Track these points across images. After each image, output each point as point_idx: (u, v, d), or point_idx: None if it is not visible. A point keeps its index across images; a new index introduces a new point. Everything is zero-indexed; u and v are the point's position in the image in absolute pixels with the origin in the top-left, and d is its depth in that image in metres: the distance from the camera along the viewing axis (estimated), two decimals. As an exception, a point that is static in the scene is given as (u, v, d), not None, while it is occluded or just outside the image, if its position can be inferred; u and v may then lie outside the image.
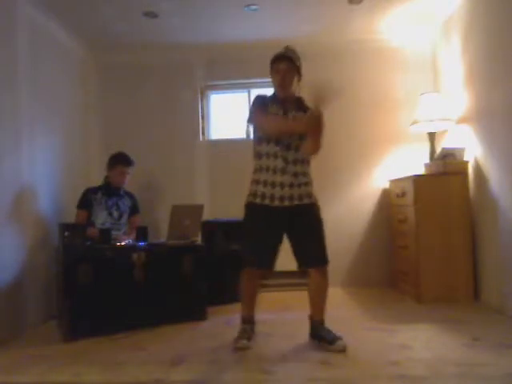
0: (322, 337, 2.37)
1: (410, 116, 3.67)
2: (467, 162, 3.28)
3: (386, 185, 3.93)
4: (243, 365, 2.16)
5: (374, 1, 3.34)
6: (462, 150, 3.32)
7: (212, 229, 3.51)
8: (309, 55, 4.08)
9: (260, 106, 2.43)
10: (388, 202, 3.90)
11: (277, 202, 2.36)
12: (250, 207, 2.45)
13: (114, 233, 3.16)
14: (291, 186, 2.37)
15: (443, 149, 3.37)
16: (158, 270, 2.91)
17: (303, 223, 2.39)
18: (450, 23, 3.56)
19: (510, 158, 2.75)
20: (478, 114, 3.16)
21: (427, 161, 3.58)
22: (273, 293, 3.59)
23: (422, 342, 2.39)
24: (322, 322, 2.43)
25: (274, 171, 2.37)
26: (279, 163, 2.37)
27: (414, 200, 3.26)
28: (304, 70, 4.17)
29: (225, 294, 3.41)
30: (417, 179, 3.27)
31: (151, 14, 3.42)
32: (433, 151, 3.56)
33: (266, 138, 2.40)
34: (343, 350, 2.25)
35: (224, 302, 3.34)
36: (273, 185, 2.36)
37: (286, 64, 2.40)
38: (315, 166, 4.11)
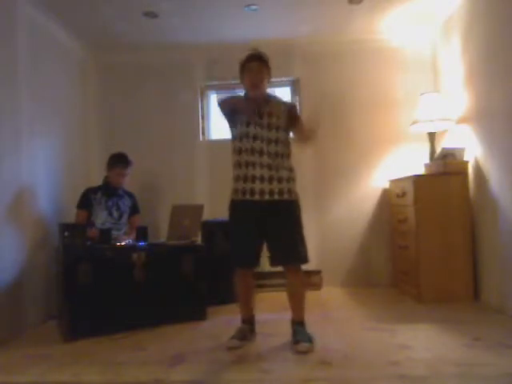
0: (292, 335, 2.41)
1: (410, 116, 3.67)
2: (467, 162, 3.28)
3: (386, 185, 3.93)
4: (243, 365, 2.16)
5: (374, 1, 3.34)
6: (462, 150, 3.31)
7: (212, 229, 3.51)
8: (309, 55, 4.11)
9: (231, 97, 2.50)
10: (388, 201, 3.90)
11: (257, 197, 2.36)
12: (232, 205, 2.47)
13: (114, 233, 3.17)
14: (271, 179, 2.36)
15: (443, 149, 3.37)
16: (158, 269, 2.91)
17: (279, 220, 2.38)
18: (450, 23, 3.56)
19: (510, 158, 2.75)
20: (478, 114, 3.16)
21: (427, 161, 3.58)
22: (273, 293, 3.59)
23: (422, 342, 2.39)
24: (296, 322, 2.44)
25: (253, 165, 2.37)
26: (257, 157, 2.37)
27: (414, 200, 3.26)
28: (304, 69, 4.18)
29: (225, 293, 3.41)
30: (417, 179, 3.27)
31: (151, 14, 3.42)
32: (433, 151, 3.56)
33: (244, 132, 2.40)
34: (302, 352, 2.23)
35: (224, 302, 3.34)
36: (253, 179, 2.37)
37: (257, 63, 2.43)
38: (315, 166, 4.12)
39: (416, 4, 3.41)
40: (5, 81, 2.82)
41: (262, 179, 2.36)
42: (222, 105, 2.50)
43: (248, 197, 2.38)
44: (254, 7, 3.37)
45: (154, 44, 3.99)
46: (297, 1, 3.29)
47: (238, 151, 2.43)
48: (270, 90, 2.55)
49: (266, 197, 2.36)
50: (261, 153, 2.37)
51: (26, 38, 3.06)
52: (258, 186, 2.36)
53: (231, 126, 2.53)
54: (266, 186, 2.36)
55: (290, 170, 2.45)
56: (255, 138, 2.38)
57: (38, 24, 3.23)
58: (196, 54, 4.12)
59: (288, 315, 2.82)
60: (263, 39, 3.87)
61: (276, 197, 2.36)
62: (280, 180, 2.38)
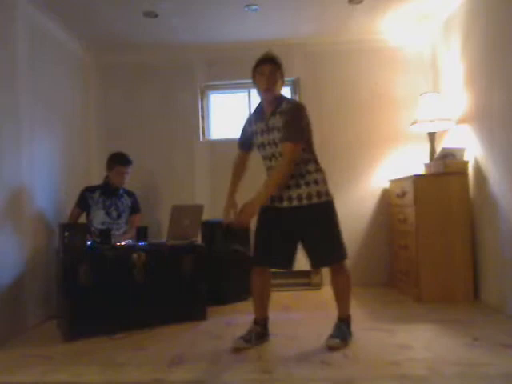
0: (333, 331, 2.40)
1: (410, 116, 3.67)
2: (467, 162, 3.28)
3: (386, 185, 3.93)
4: (243, 365, 2.16)
5: (374, 1, 3.34)
6: (462, 150, 3.32)
7: (212, 229, 3.51)
8: (309, 55, 4.11)
9: (240, 136, 2.56)
10: (388, 201, 3.90)
11: (285, 203, 2.37)
12: (261, 209, 2.41)
13: (113, 232, 3.17)
14: (297, 186, 2.35)
15: (443, 149, 3.37)
16: (158, 269, 2.91)
17: (311, 224, 2.36)
18: (449, 23, 3.56)
19: (510, 158, 2.75)
20: (477, 114, 3.16)
21: (427, 161, 3.58)
22: (273, 293, 3.58)
23: (422, 342, 2.39)
24: (340, 319, 2.44)
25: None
26: (273, 162, 2.40)
27: (414, 200, 3.26)
28: (304, 69, 4.18)
29: (225, 293, 3.41)
30: (417, 179, 3.27)
31: (151, 14, 3.42)
32: (433, 151, 3.56)
33: (259, 142, 2.45)
34: (331, 347, 2.27)
35: (224, 302, 3.35)
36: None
37: (270, 66, 2.36)
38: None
39: (416, 4, 3.41)
40: (5, 81, 2.82)
41: (288, 186, 2.36)
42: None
43: (276, 204, 2.39)
44: (254, 7, 3.37)
45: (153, 44, 3.99)
46: (297, 1, 3.30)
47: (264, 157, 2.48)
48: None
49: (295, 203, 2.35)
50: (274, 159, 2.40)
51: (26, 38, 3.06)
52: (285, 193, 2.37)
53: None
54: (294, 192, 2.35)
55: (312, 173, 2.38)
56: (266, 145, 2.42)
57: (38, 24, 3.23)
58: (196, 54, 4.12)
59: (288, 315, 2.83)
60: (263, 39, 3.87)
61: (305, 202, 2.34)
62: (307, 184, 2.35)
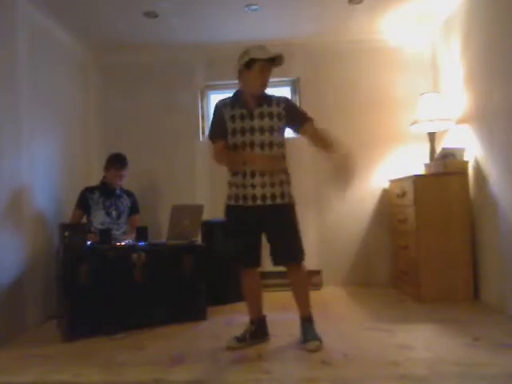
0: (301, 333, 2.42)
1: (410, 116, 3.67)
2: (467, 162, 3.28)
3: (386, 185, 3.93)
4: (243, 365, 2.16)
5: (374, 1, 3.34)
6: (462, 150, 3.32)
7: (212, 229, 3.51)
8: (309, 55, 4.11)
9: (216, 126, 2.46)
10: (388, 201, 3.90)
11: (250, 202, 2.38)
12: (227, 209, 2.49)
13: (113, 233, 3.16)
14: (263, 185, 2.36)
15: (443, 149, 3.37)
16: (158, 270, 2.91)
17: (275, 223, 2.40)
18: (450, 23, 3.56)
19: (510, 158, 2.75)
20: (477, 114, 3.16)
21: (427, 161, 3.58)
22: (273, 293, 3.59)
23: (422, 342, 2.39)
24: (304, 318, 2.45)
25: (244, 173, 2.37)
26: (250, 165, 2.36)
27: (413, 200, 3.26)
28: (304, 69, 4.19)
29: (225, 293, 3.41)
30: (417, 179, 3.27)
31: (151, 14, 3.42)
32: (433, 151, 3.56)
33: (233, 141, 2.40)
34: (313, 351, 2.27)
35: (224, 302, 3.35)
36: (244, 186, 2.38)
37: (271, 66, 2.40)
38: (315, 166, 4.11)
39: (416, 4, 3.41)
40: (5, 81, 2.82)
41: (253, 186, 2.37)
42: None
43: (241, 202, 2.40)
44: (254, 7, 3.37)
45: (153, 44, 3.99)
46: (297, 1, 3.29)
47: (233, 144, 2.43)
48: (269, 91, 2.52)
49: (259, 202, 2.37)
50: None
51: (26, 38, 3.06)
52: (250, 192, 2.38)
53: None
54: (259, 191, 2.36)
55: (284, 173, 2.44)
56: (244, 145, 2.38)
57: (38, 24, 3.23)
58: (196, 54, 4.12)
59: (288, 315, 2.83)
60: (263, 39, 3.87)
61: (268, 202, 2.37)
62: (272, 185, 2.37)
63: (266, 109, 2.40)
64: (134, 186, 3.68)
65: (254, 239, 2.43)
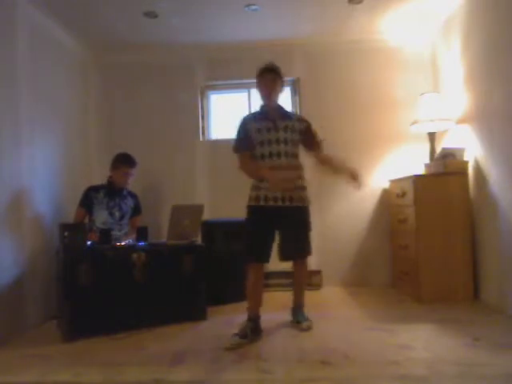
0: (292, 316, 2.78)
1: (410, 116, 3.67)
2: (467, 162, 3.28)
3: (386, 185, 3.93)
4: (243, 365, 2.16)
5: (374, 1, 3.34)
6: (462, 150, 3.32)
7: (212, 229, 3.51)
8: (309, 55, 4.11)
9: (241, 139, 2.68)
10: (388, 201, 3.90)
11: (271, 202, 2.60)
12: (248, 209, 2.69)
13: (115, 233, 3.16)
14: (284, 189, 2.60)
15: (443, 149, 3.37)
16: (158, 269, 2.91)
17: (292, 223, 2.65)
18: (450, 23, 3.56)
19: (510, 158, 2.76)
20: (477, 114, 3.16)
21: (427, 161, 3.58)
22: (273, 293, 3.59)
23: (422, 342, 2.39)
24: (299, 305, 2.80)
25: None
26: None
27: (413, 200, 3.26)
28: (304, 69, 4.19)
29: (225, 293, 3.41)
30: (417, 179, 3.27)
31: (151, 14, 3.42)
32: (433, 151, 3.56)
33: (261, 151, 2.64)
34: (305, 329, 2.62)
35: (224, 302, 3.35)
36: (267, 189, 2.60)
37: (272, 75, 2.67)
38: (315, 165, 4.10)
39: (416, 4, 3.41)
40: (5, 81, 2.82)
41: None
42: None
43: (262, 203, 2.61)
44: (254, 7, 3.37)
45: (154, 44, 3.99)
46: (297, 1, 3.30)
47: (261, 155, 2.67)
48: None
49: (279, 203, 2.60)
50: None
51: (26, 38, 3.06)
52: (271, 194, 2.60)
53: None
54: (279, 194, 2.59)
55: (302, 178, 2.71)
56: (263, 156, 2.64)
57: (38, 24, 3.23)
58: (196, 54, 4.12)
59: (288, 315, 2.83)
60: (263, 39, 3.88)
61: (287, 203, 2.61)
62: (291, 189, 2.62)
63: (289, 123, 2.68)
64: (134, 185, 3.67)
65: (268, 237, 2.64)
